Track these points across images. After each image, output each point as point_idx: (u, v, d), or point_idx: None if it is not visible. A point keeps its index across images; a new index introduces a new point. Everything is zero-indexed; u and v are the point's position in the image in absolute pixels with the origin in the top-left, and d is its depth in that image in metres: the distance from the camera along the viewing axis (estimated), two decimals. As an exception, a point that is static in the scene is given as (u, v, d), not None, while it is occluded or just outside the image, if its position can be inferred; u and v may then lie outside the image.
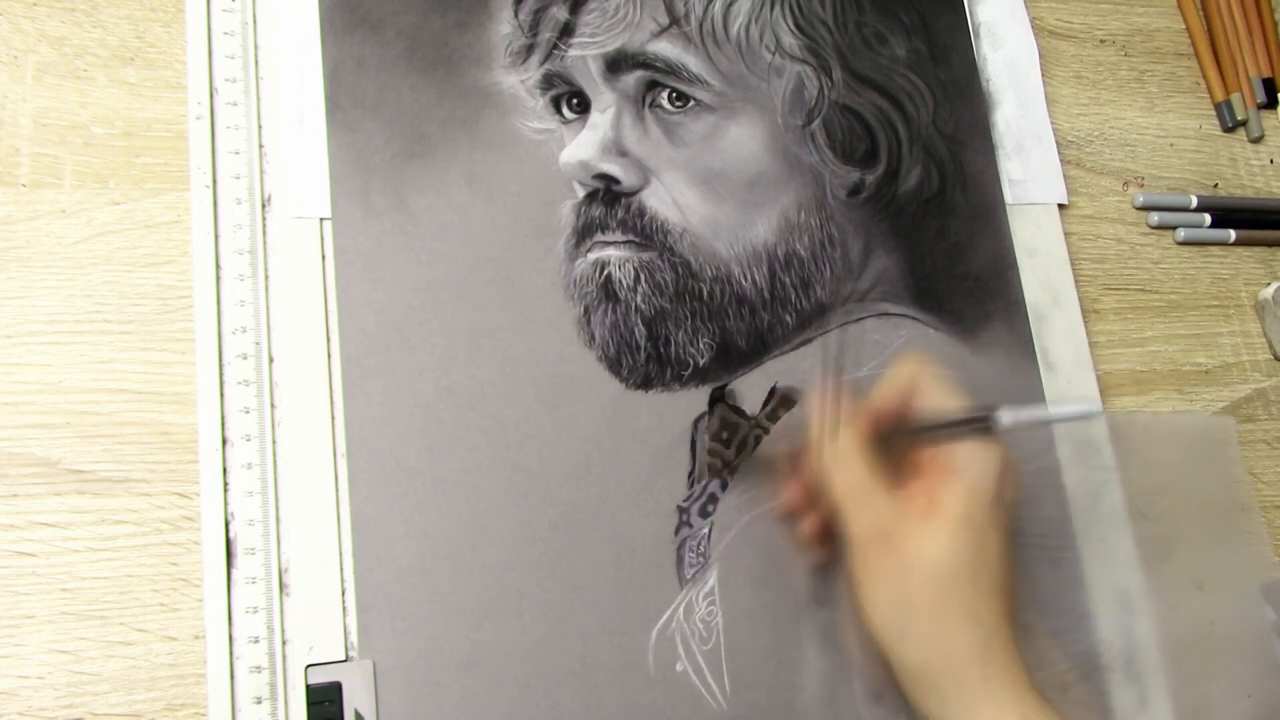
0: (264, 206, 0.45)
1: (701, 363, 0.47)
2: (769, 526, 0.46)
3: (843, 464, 0.41)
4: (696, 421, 0.47)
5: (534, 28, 0.49)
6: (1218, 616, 0.50)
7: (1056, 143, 0.57)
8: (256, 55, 0.47)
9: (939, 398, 0.41)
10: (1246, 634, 0.51)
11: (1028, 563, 0.46)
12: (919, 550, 0.39)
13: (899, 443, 0.42)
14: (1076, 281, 0.54)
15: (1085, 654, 0.48)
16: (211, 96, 0.46)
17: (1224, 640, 0.50)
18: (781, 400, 0.48)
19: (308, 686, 0.40)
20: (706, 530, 0.45)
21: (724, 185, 0.49)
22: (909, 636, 0.39)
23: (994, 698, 0.38)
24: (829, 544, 0.44)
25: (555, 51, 0.49)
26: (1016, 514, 0.41)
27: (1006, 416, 0.39)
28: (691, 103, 0.49)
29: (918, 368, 0.43)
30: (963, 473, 0.39)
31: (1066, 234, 0.55)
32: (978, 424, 0.40)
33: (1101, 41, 0.62)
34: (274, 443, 0.42)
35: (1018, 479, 0.41)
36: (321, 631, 0.41)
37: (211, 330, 0.43)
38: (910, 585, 0.39)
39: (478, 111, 0.48)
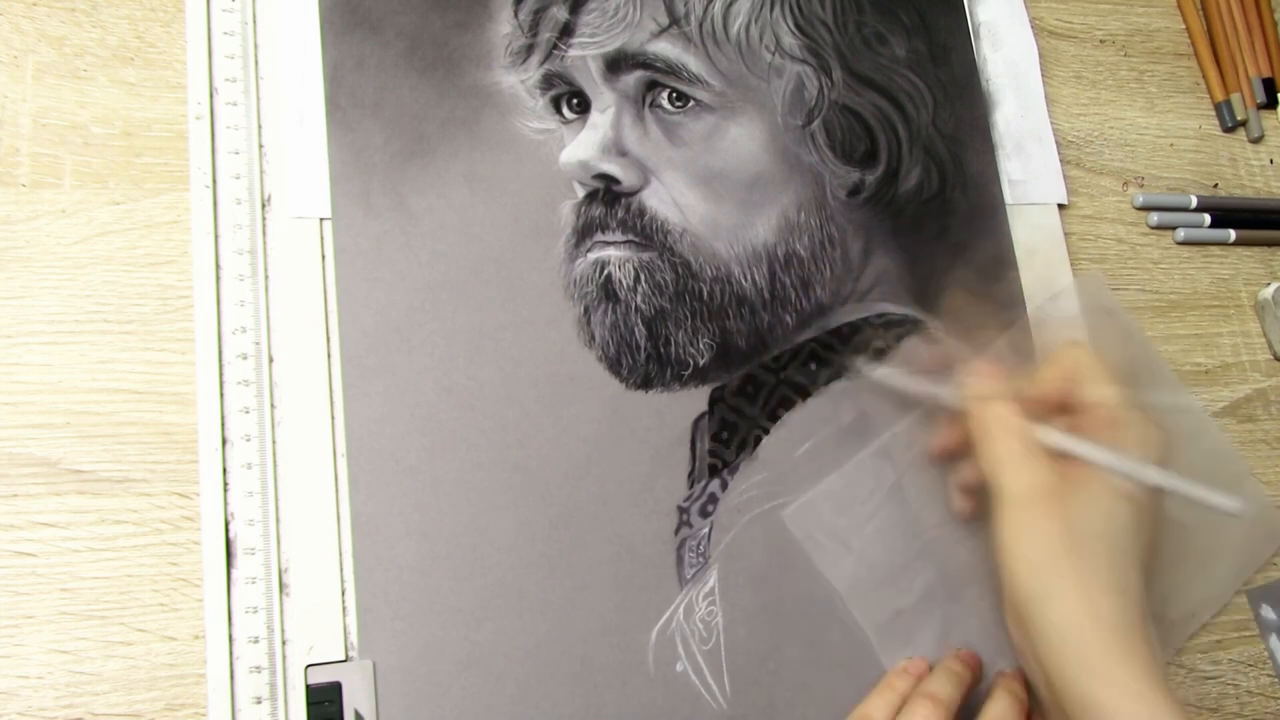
0: (264, 206, 0.45)
1: (701, 363, 0.47)
2: (769, 526, 0.46)
3: (1005, 424, 0.42)
4: (696, 421, 0.47)
5: (534, 28, 0.49)
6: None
7: (1056, 143, 0.57)
8: (256, 55, 0.47)
9: (1104, 396, 0.42)
10: (1190, 444, 0.52)
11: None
12: (1078, 514, 0.39)
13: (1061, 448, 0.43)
14: (1076, 281, 0.54)
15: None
16: (211, 96, 0.46)
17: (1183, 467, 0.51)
18: (781, 400, 0.48)
19: (308, 686, 0.40)
20: (706, 530, 0.45)
21: (724, 185, 0.49)
22: (1053, 596, 0.39)
23: (1131, 669, 0.38)
24: (977, 497, 0.45)
25: (555, 51, 0.49)
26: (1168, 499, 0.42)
27: (1157, 477, 0.40)
28: (691, 103, 0.49)
29: (1082, 357, 0.43)
30: (1128, 450, 0.40)
31: (1066, 234, 0.55)
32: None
33: (1101, 41, 0.62)
34: (274, 443, 0.42)
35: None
36: (321, 631, 0.41)
37: (211, 330, 0.43)
38: (1063, 547, 0.39)
39: (478, 111, 0.48)
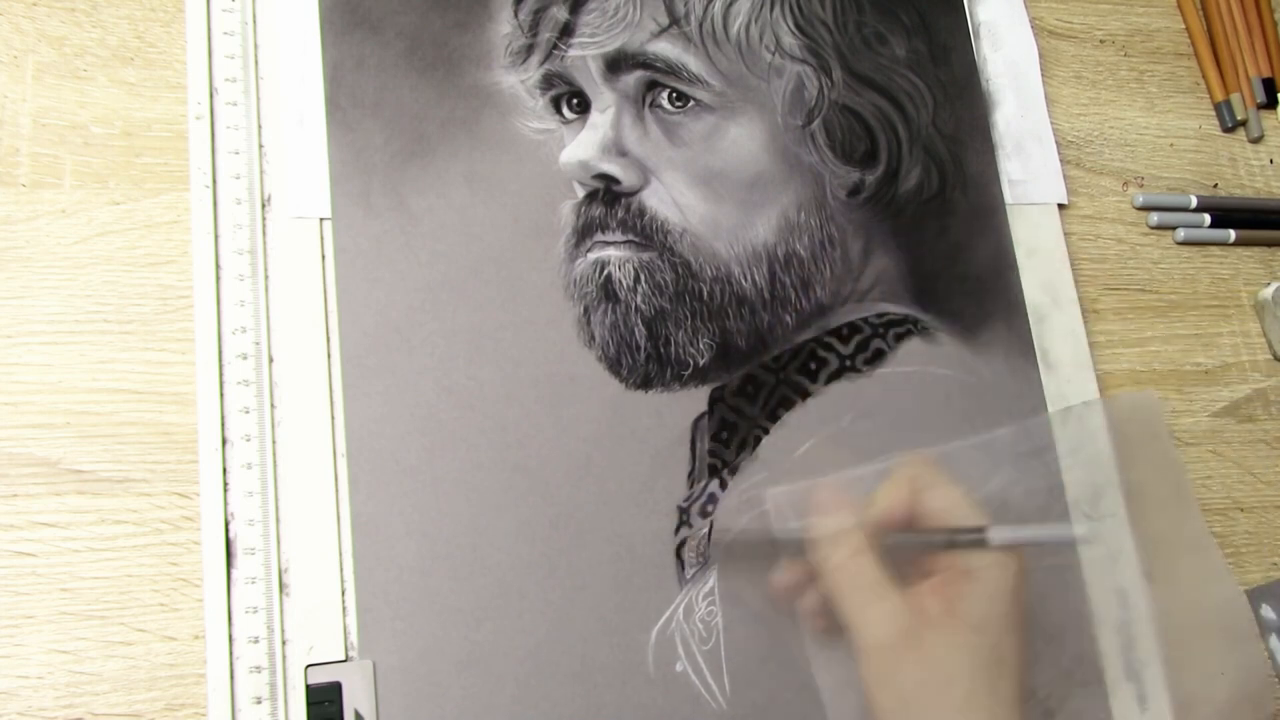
0: (264, 206, 0.45)
1: (701, 363, 0.47)
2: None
3: (853, 569, 0.39)
4: (696, 421, 0.47)
5: (534, 28, 0.49)
6: (1172, 605, 0.49)
7: (1056, 143, 0.57)
8: (256, 55, 0.47)
9: (947, 501, 0.40)
10: (1208, 613, 0.50)
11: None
12: (937, 659, 0.37)
13: (905, 546, 0.41)
14: (1076, 281, 0.54)
15: (1059, 674, 0.47)
16: (211, 96, 0.46)
17: (1183, 629, 0.49)
18: (781, 400, 0.48)
19: (308, 686, 0.40)
20: (706, 530, 0.45)
21: (724, 185, 0.49)
22: None
23: None
24: (829, 620, 0.42)
25: (555, 51, 0.49)
26: (1029, 612, 0.39)
27: (997, 535, 0.39)
28: (691, 103, 0.49)
29: (922, 468, 0.41)
30: (979, 576, 0.38)
31: (1066, 234, 0.55)
32: (970, 535, 0.39)
33: (1101, 41, 0.62)
34: (274, 443, 0.42)
35: (1024, 579, 0.39)
36: (321, 631, 0.41)
37: (211, 330, 0.43)
38: (928, 694, 0.37)
39: (478, 111, 0.48)
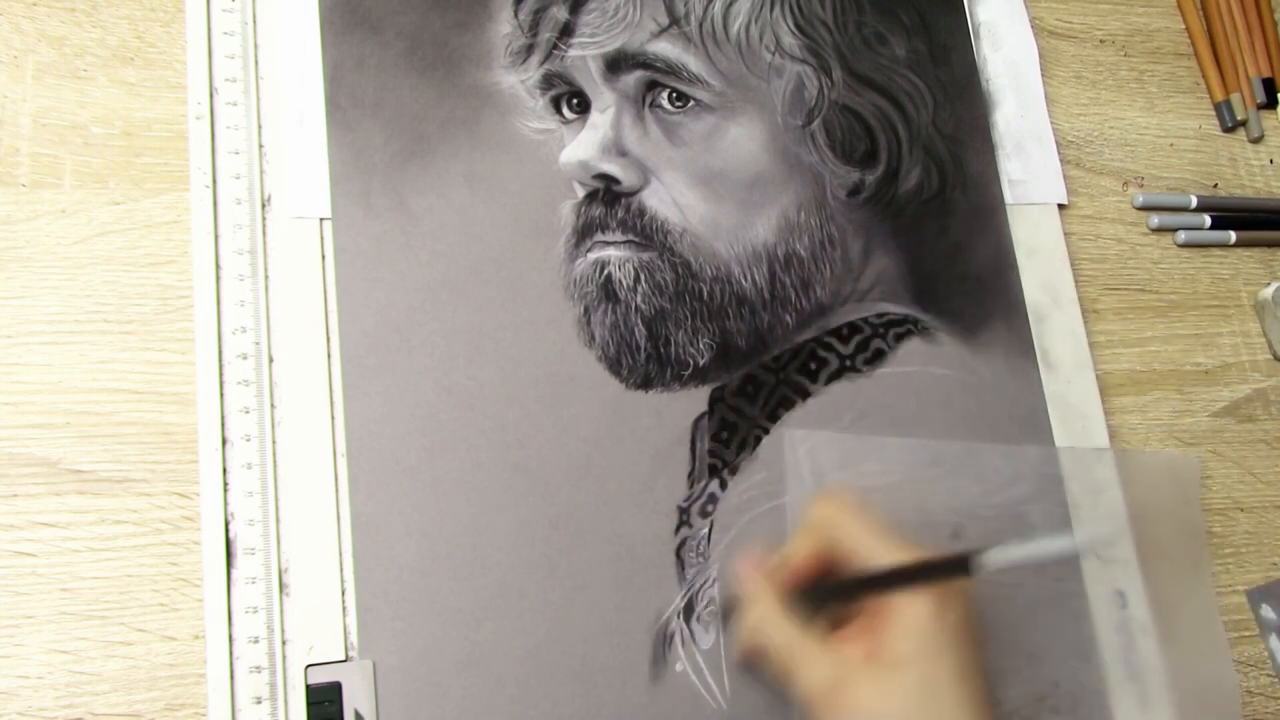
0: (264, 206, 0.45)
1: (701, 363, 0.47)
2: (768, 526, 0.46)
3: (772, 628, 0.40)
4: (696, 421, 0.47)
5: (534, 28, 0.49)
6: (1165, 663, 0.48)
7: (1056, 143, 0.57)
8: (256, 55, 0.47)
9: (862, 543, 0.40)
10: (1196, 682, 0.49)
11: (990, 600, 0.45)
12: (867, 705, 0.37)
13: (835, 593, 0.40)
14: (1076, 281, 0.54)
15: (1032, 695, 0.47)
16: (211, 96, 0.46)
17: (1168, 690, 0.48)
18: (781, 400, 0.48)
19: (308, 686, 0.40)
20: (706, 530, 0.45)
21: (724, 185, 0.49)
22: None
23: None
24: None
25: (555, 51, 0.49)
26: (968, 627, 0.38)
27: (994, 558, 0.37)
28: (691, 103, 0.49)
29: (837, 513, 0.41)
30: (892, 615, 0.38)
31: (1066, 234, 0.55)
32: (950, 568, 0.38)
33: (1101, 41, 0.62)
34: (274, 443, 0.42)
35: (957, 597, 0.39)
36: (321, 631, 0.41)
37: (211, 330, 0.43)
38: None
39: (478, 111, 0.48)
